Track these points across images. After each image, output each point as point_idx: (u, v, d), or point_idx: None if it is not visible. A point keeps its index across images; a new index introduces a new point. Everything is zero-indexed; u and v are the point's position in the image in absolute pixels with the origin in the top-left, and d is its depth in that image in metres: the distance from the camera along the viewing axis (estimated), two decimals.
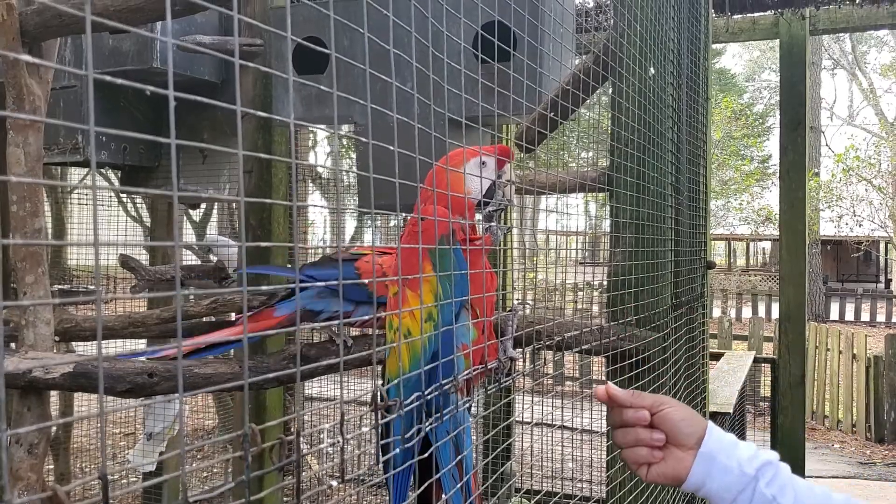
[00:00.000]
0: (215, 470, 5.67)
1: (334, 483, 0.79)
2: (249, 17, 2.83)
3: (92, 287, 4.20)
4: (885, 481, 6.88)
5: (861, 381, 8.50)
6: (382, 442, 1.25)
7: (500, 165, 1.61)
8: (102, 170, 4.97)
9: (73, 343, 4.21)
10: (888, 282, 25.46)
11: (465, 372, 1.37)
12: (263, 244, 0.70)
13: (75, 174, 6.36)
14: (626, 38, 2.11)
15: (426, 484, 1.27)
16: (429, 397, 1.17)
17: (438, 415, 1.21)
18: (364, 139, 0.97)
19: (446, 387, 1.24)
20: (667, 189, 2.51)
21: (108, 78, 0.71)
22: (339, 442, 0.90)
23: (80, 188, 6.08)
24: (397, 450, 1.15)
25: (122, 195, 6.66)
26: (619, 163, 2.25)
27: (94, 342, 3.28)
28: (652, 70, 2.31)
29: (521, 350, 1.61)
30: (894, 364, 8.23)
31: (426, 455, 1.22)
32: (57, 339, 2.74)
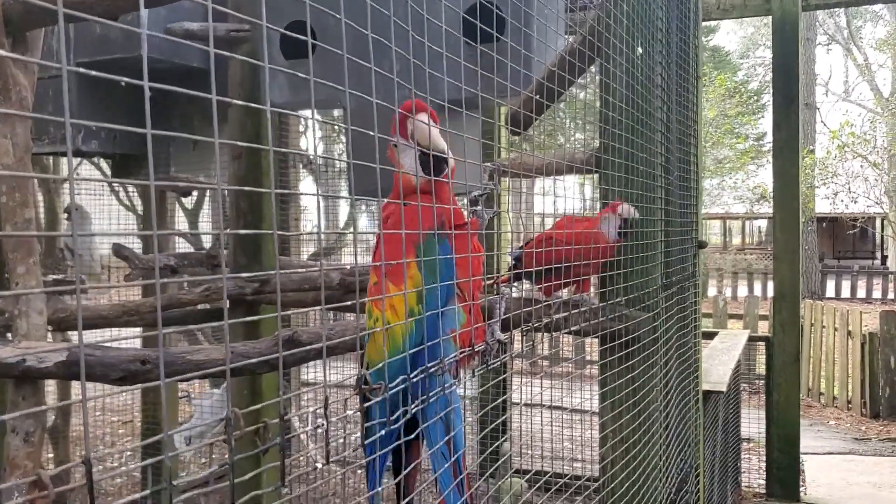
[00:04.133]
0: (214, 455, 5.71)
1: (318, 465, 0.80)
2: (235, 2, 2.81)
3: (86, 276, 4.20)
4: (879, 456, 6.95)
5: (856, 357, 8.56)
6: (364, 425, 1.26)
7: (403, 126, 1.41)
8: (94, 159, 4.95)
9: (69, 332, 4.22)
10: (884, 258, 25.52)
11: (453, 354, 1.38)
12: (244, 231, 0.70)
13: (66, 164, 6.33)
14: (612, 18, 2.10)
15: (403, 473, 1.28)
16: (414, 380, 1.18)
17: (424, 398, 1.22)
18: (350, 123, 0.98)
19: (433, 370, 1.25)
20: (657, 169, 2.51)
21: (82, 70, 0.72)
22: (323, 424, 0.92)
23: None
24: (370, 436, 1.16)
25: (113, 184, 6.63)
26: (609, 144, 2.25)
27: (91, 331, 3.29)
28: (640, 49, 2.30)
29: (508, 333, 1.62)
30: (889, 340, 8.28)
31: (413, 437, 1.24)
32: (51, 328, 2.75)
